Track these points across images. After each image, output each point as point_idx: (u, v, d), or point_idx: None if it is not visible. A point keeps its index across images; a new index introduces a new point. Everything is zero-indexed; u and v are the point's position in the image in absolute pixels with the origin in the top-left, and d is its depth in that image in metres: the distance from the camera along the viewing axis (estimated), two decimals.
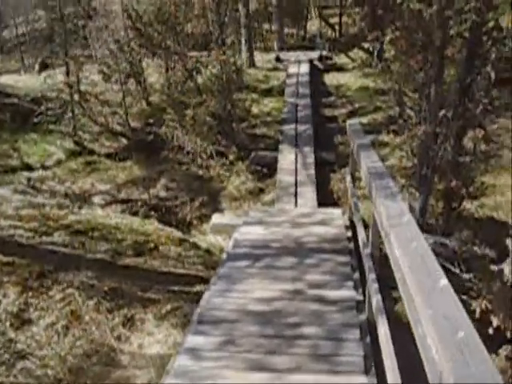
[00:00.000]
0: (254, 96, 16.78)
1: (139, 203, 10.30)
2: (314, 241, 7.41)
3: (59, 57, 15.40)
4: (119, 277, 6.72)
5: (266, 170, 11.59)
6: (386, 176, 4.75)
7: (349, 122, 8.40)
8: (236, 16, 19.28)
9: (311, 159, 11.34)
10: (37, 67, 22.87)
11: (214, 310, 5.51)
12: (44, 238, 7.43)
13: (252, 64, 20.52)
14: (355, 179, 8.47)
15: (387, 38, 6.82)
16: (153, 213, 10.03)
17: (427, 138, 6.82)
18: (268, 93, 17.46)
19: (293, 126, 13.52)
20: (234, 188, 11.11)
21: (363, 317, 5.37)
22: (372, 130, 13.02)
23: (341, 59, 22.06)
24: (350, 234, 7.79)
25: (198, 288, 6.74)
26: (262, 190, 11.03)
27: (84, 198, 10.72)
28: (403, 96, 7.30)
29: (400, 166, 10.43)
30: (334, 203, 10.21)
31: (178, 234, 8.71)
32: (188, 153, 12.24)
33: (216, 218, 9.25)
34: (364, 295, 5.74)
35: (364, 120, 14.11)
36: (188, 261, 7.61)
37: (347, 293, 5.82)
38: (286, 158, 11.52)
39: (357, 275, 6.34)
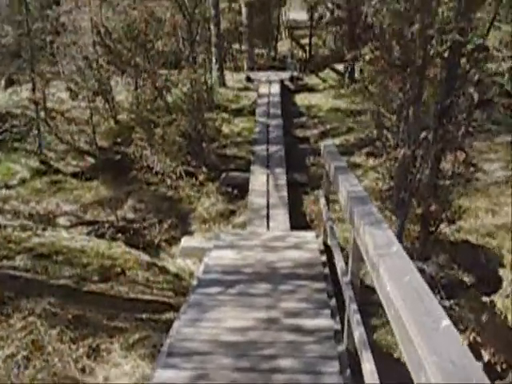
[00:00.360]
0: (225, 116, 16.55)
1: (106, 225, 9.91)
2: (288, 266, 7.15)
3: (26, 73, 15.04)
4: (84, 304, 6.38)
5: (237, 192, 11.30)
6: (367, 201, 4.49)
7: (324, 143, 8.18)
8: (207, 35, 19.08)
9: (283, 181, 11.10)
10: (3, 83, 22.31)
11: (185, 341, 5.20)
12: (5, 262, 7.05)
13: (222, 83, 20.32)
14: (329, 202, 8.26)
15: (366, 58, 6.61)
16: (120, 235, 9.66)
17: (406, 160, 6.63)
18: (239, 112, 17.24)
19: (264, 146, 13.27)
20: (204, 210, 10.81)
21: (342, 348, 5.11)
22: (345, 151, 12.87)
23: (312, 80, 21.98)
24: (324, 258, 7.56)
25: (167, 316, 6.43)
26: (232, 212, 10.75)
27: (48, 219, 10.33)
28: (381, 117, 7.10)
29: (374, 188, 10.28)
30: (307, 226, 9.98)
31: (146, 257, 8.38)
32: (157, 173, 11.91)
33: (185, 241, 8.95)
34: (342, 324, 5.50)
35: (336, 141, 13.93)
36: (157, 286, 7.29)
37: (324, 322, 5.56)
38: (258, 179, 11.26)
39: (333, 302, 6.10)
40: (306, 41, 28.60)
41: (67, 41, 14.21)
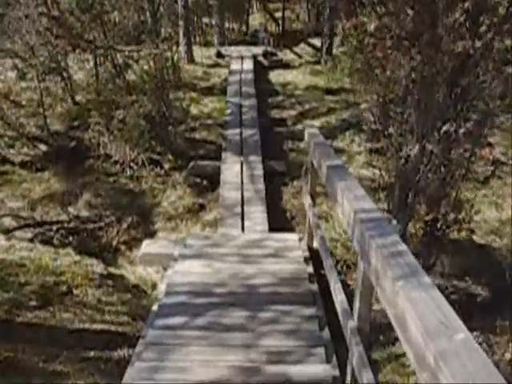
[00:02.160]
0: (193, 95, 15.14)
1: (54, 227, 8.52)
2: (268, 283, 5.91)
3: None
4: (16, 341, 5.08)
5: (207, 183, 10.00)
6: (387, 229, 3.17)
7: (308, 131, 6.90)
8: (173, 7, 17.58)
9: (259, 170, 9.77)
10: None
11: None
12: None
13: (191, 59, 18.88)
14: (315, 200, 7.03)
15: (370, 27, 5.29)
16: (71, 238, 8.31)
17: (416, 157, 5.38)
18: (208, 91, 15.84)
19: (237, 130, 11.87)
20: (170, 204, 9.48)
21: None
22: (327, 134, 11.63)
23: (286, 55, 20.61)
24: (311, 269, 6.36)
25: (120, 352, 5.16)
26: (202, 207, 9.42)
27: None
28: (387, 104, 5.78)
29: (360, 178, 9.12)
30: (288, 223, 8.75)
31: (99, 268, 7.06)
32: (116, 162, 10.55)
33: (146, 246, 7.64)
34: (339, 367, 4.32)
35: (316, 123, 12.70)
36: (110, 309, 6.01)
37: (318, 368, 4.34)
38: (230, 168, 9.93)
39: (327, 334, 4.89)
40: (278, 15, 27.34)
41: (18, 14, 12.58)
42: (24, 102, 12.79)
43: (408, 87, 5.45)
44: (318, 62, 18.63)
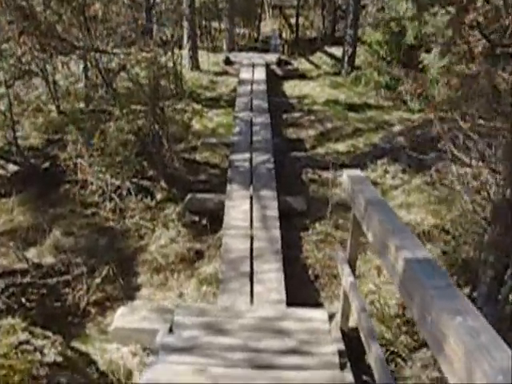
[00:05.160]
0: (196, 107, 13.18)
1: (2, 284, 6.46)
2: None
3: None
4: None
5: (207, 222, 7.98)
6: None
7: (348, 173, 4.90)
8: (178, 6, 15.62)
9: (274, 210, 7.69)
10: None
11: None
12: None
13: (196, 66, 16.91)
14: (356, 270, 5.03)
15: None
16: (24, 299, 6.26)
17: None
18: (214, 103, 13.90)
19: (247, 154, 9.75)
20: (159, 249, 7.42)
21: None
22: (355, 162, 9.62)
23: (302, 64, 18.65)
24: (349, 376, 4.36)
25: None
26: (199, 254, 7.39)
27: None
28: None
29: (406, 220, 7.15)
30: (310, 284, 6.71)
31: (52, 352, 5.03)
32: (97, 190, 8.55)
33: (121, 317, 5.64)
34: None
35: (341, 147, 10.70)
36: None
37: None
38: (237, 206, 7.86)
39: None
40: (291, 21, 25.61)
41: None
42: None
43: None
44: (337, 74, 16.69)
